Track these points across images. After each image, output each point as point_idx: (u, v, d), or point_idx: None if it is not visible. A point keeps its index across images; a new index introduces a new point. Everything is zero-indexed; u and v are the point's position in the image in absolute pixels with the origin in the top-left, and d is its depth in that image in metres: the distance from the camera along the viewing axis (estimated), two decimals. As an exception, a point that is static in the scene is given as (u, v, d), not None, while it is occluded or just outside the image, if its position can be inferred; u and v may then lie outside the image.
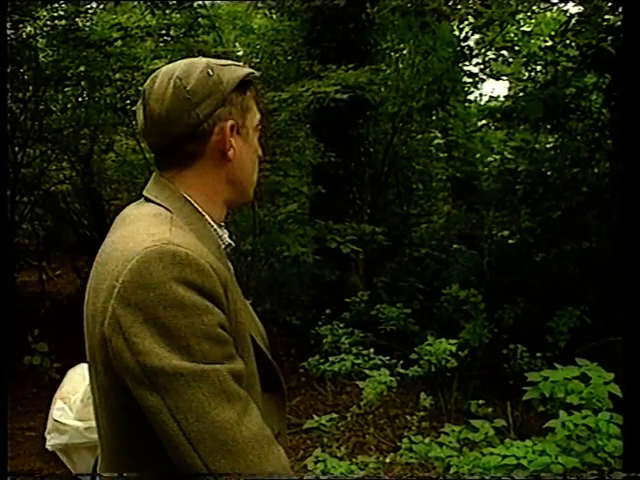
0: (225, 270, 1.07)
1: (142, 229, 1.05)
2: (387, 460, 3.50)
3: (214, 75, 1.12)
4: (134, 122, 7.45)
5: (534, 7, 6.61)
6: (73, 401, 2.05)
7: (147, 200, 1.14)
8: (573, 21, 5.36)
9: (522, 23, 8.02)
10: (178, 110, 1.10)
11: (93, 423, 1.80)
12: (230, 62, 1.19)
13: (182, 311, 0.96)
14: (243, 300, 1.17)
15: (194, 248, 1.02)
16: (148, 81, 1.16)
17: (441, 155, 9.62)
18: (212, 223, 1.16)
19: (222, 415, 0.97)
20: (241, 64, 1.21)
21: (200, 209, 1.14)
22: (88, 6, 6.40)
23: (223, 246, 1.17)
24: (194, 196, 1.14)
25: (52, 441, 2.02)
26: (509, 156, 7.58)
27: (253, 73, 1.19)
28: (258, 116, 1.21)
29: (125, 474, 1.08)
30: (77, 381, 2.01)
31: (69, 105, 7.64)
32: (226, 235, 1.20)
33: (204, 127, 1.12)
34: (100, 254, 1.10)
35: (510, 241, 7.22)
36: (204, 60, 1.17)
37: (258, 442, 1.00)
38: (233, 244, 1.21)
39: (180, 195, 1.13)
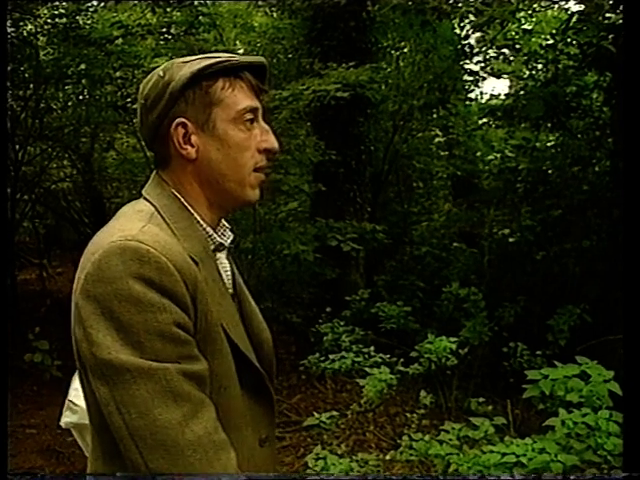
0: (197, 271, 1.05)
1: (119, 225, 1.06)
2: (387, 458, 3.50)
3: (165, 76, 1.12)
4: (135, 120, 7.47)
5: (535, 5, 6.60)
6: None
7: (143, 198, 1.16)
8: (574, 19, 5.36)
9: (523, 21, 8.01)
10: (140, 115, 1.15)
11: None
12: (201, 56, 1.15)
13: (136, 307, 0.97)
14: (228, 302, 1.15)
15: (160, 246, 1.01)
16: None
17: (442, 153, 9.62)
18: (201, 222, 1.15)
19: (165, 415, 0.96)
20: (217, 55, 1.16)
21: (189, 207, 1.14)
22: (89, 4, 6.40)
23: (212, 246, 1.16)
24: (182, 194, 1.15)
25: (65, 419, 2.14)
26: (510, 154, 7.57)
27: (222, 62, 1.13)
28: (239, 107, 1.13)
29: (120, 474, 1.08)
30: None
31: (70, 103, 7.65)
32: (219, 236, 1.18)
33: (161, 130, 1.13)
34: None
35: (510, 239, 7.22)
36: (170, 62, 1.17)
37: (201, 446, 0.98)
38: (226, 244, 1.19)
39: (170, 193, 1.14)
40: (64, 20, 6.09)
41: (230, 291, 1.20)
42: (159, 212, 1.10)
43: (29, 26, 6.44)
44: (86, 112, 7.33)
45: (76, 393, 2.12)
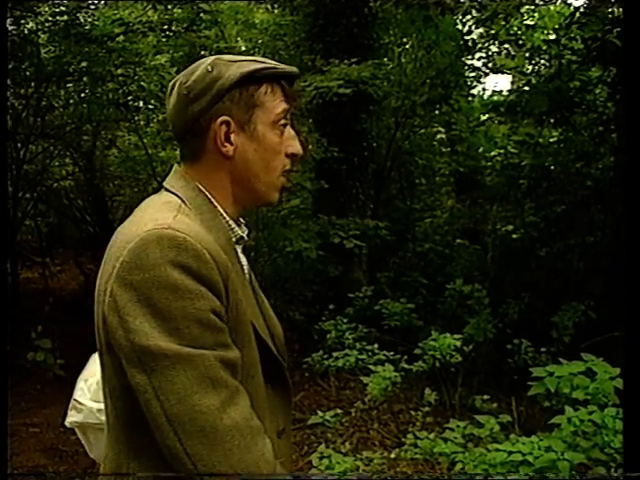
0: (227, 260, 1.07)
1: (149, 215, 1.07)
2: (392, 456, 3.49)
3: (213, 71, 1.13)
4: (136, 118, 7.46)
5: (538, 0, 6.57)
6: (91, 383, 2.17)
7: (166, 190, 1.16)
8: (578, 14, 5.33)
9: (526, 16, 7.98)
10: (178, 106, 1.15)
11: None
12: (247, 58, 1.17)
13: (174, 294, 0.98)
14: (250, 294, 1.17)
15: (194, 234, 1.03)
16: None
17: (444, 150, 9.60)
18: (225, 215, 1.16)
19: (204, 401, 0.97)
20: (262, 59, 1.19)
21: (213, 201, 1.15)
22: (90, 1, 6.39)
23: (234, 239, 1.18)
24: (208, 188, 1.16)
25: (70, 419, 2.15)
26: (513, 150, 7.55)
27: (269, 68, 1.16)
28: (277, 111, 1.16)
29: (127, 472, 1.07)
30: (97, 364, 2.17)
31: (71, 101, 7.63)
32: (239, 230, 1.19)
33: (201, 123, 1.13)
34: (112, 238, 1.12)
35: (514, 236, 7.20)
36: (215, 57, 1.17)
37: (239, 431, 0.99)
38: (246, 238, 1.21)
39: (194, 185, 1.15)
40: (65, 18, 6.08)
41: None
42: (185, 204, 1.11)
43: (30, 24, 6.43)
44: (88, 110, 7.32)
45: (82, 392, 2.14)
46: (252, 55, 7.91)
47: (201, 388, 0.97)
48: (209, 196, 1.15)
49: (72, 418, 2.13)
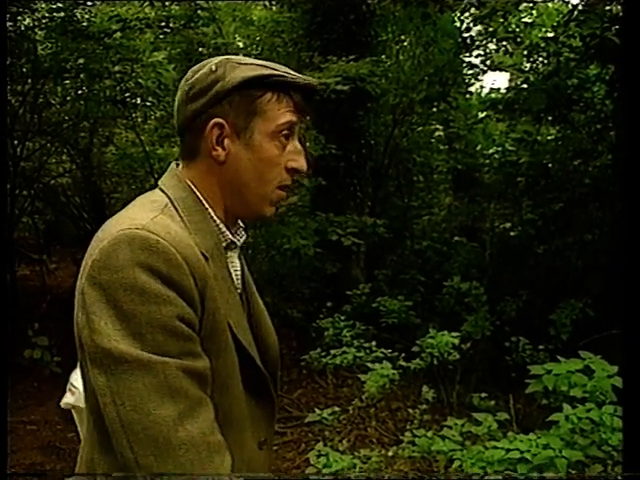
0: (206, 266, 1.03)
1: (130, 213, 1.05)
2: (389, 454, 3.49)
3: (217, 71, 1.10)
4: (134, 115, 7.44)
5: (536, -3, 6.57)
6: None
7: (159, 188, 1.14)
8: (576, 11, 5.32)
9: (524, 14, 7.98)
10: (179, 101, 1.13)
11: None
12: (258, 62, 1.12)
13: (141, 297, 0.95)
14: (236, 301, 1.13)
15: (171, 237, 0.99)
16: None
17: (442, 147, 9.60)
18: (215, 218, 1.13)
19: (159, 411, 0.94)
20: (274, 66, 1.13)
21: (204, 202, 1.12)
22: (86, -2, 6.36)
23: (224, 244, 1.14)
24: (200, 189, 1.13)
25: (64, 400, 2.20)
26: (510, 148, 7.55)
27: (277, 76, 1.10)
28: (279, 122, 1.10)
29: (122, 474, 1.05)
30: None
31: (68, 98, 7.60)
32: (231, 234, 1.16)
33: (197, 123, 1.11)
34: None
35: (512, 233, 7.21)
36: (226, 57, 1.13)
37: (194, 447, 0.95)
38: (238, 243, 1.18)
39: (186, 185, 1.12)
40: (62, 14, 6.04)
41: (239, 290, 1.18)
42: (173, 204, 1.08)
43: (27, 20, 6.40)
44: (85, 107, 7.29)
45: (76, 376, 2.18)
46: (250, 53, 7.91)
47: (158, 397, 0.94)
48: (200, 197, 1.12)
49: (66, 400, 2.18)
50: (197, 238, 1.05)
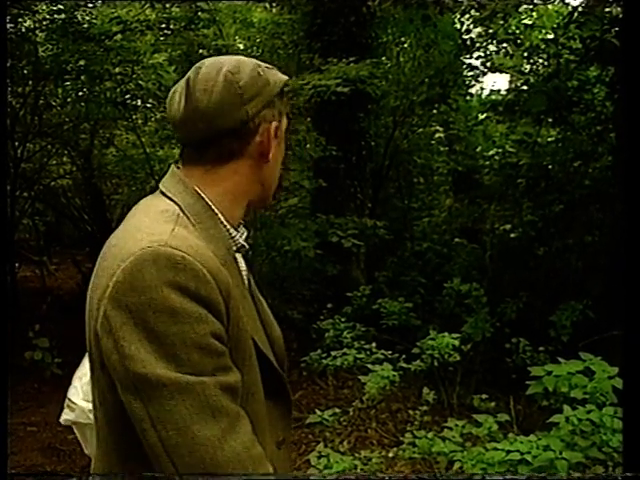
0: (228, 275, 1.03)
1: (144, 226, 1.02)
2: (390, 455, 3.49)
3: (263, 75, 1.12)
4: (134, 116, 7.44)
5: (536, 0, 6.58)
6: (84, 382, 2.15)
7: (162, 193, 1.12)
8: (576, 13, 5.33)
9: (524, 16, 7.98)
10: (228, 104, 1.08)
11: None
12: (271, 66, 1.18)
13: (172, 318, 0.93)
14: (251, 305, 1.14)
15: (194, 251, 0.98)
16: (192, 71, 1.13)
17: (442, 149, 9.60)
18: (225, 223, 1.12)
19: (203, 431, 0.93)
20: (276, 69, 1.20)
21: (214, 207, 1.11)
22: (87, 0, 6.37)
23: (235, 248, 1.14)
24: (210, 194, 1.11)
25: (64, 416, 2.15)
26: (511, 149, 7.55)
27: (289, 79, 1.20)
28: (286, 120, 1.20)
29: (123, 474, 1.06)
30: None
31: (69, 99, 7.61)
32: (239, 236, 1.16)
33: (249, 126, 1.10)
34: (105, 246, 1.07)
35: (512, 235, 7.21)
36: (251, 59, 1.16)
37: (240, 462, 0.96)
38: (247, 246, 1.18)
39: (193, 191, 1.10)
40: (63, 16, 6.05)
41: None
42: (183, 212, 1.06)
43: (28, 22, 6.41)
44: (85, 108, 7.29)
45: (75, 391, 2.13)
46: (251, 55, 7.92)
47: (201, 418, 0.93)
48: (209, 202, 1.10)
49: (65, 416, 2.13)
50: (212, 246, 1.04)
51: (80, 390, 2.12)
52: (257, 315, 1.17)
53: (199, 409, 0.93)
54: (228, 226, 1.13)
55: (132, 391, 0.94)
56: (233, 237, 1.14)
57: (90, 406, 2.01)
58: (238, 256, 1.17)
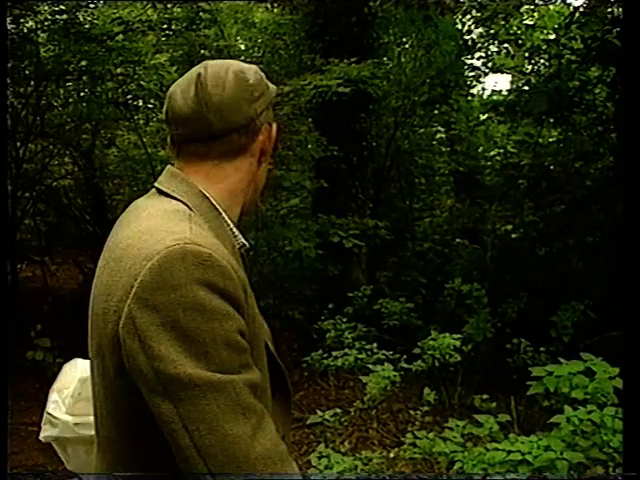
0: (243, 272, 1.05)
1: (161, 226, 1.01)
2: (391, 455, 3.49)
3: (264, 80, 1.18)
4: (136, 117, 7.45)
5: (538, 0, 6.57)
6: (65, 395, 2.06)
7: (161, 193, 1.11)
8: (577, 13, 5.33)
9: (525, 16, 7.98)
10: (241, 99, 1.12)
11: (83, 419, 1.81)
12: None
13: (202, 315, 0.93)
14: (255, 303, 1.14)
15: (216, 248, 0.99)
16: (198, 68, 1.15)
17: (444, 149, 9.60)
18: (229, 222, 1.13)
19: (236, 429, 0.93)
20: None
21: (218, 207, 1.12)
22: (89, 0, 6.37)
23: (238, 246, 1.15)
24: (213, 193, 1.12)
25: (45, 433, 2.02)
26: (512, 150, 7.56)
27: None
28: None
29: (124, 474, 1.06)
30: (71, 376, 2.05)
31: (70, 100, 7.62)
32: (241, 237, 1.18)
33: (256, 123, 1.14)
34: (113, 249, 1.05)
35: (513, 235, 7.20)
36: (254, 66, 1.21)
37: (271, 459, 0.96)
38: (247, 245, 1.18)
39: (198, 191, 1.11)
40: (64, 16, 6.06)
41: None
42: (192, 211, 1.07)
43: (29, 23, 6.42)
44: (87, 109, 7.30)
45: (56, 405, 2.03)
46: (252, 55, 7.93)
47: (232, 416, 0.93)
48: (214, 202, 1.11)
49: (47, 432, 2.02)
50: (223, 245, 1.05)
51: (62, 404, 2.03)
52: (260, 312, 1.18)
53: (230, 408, 0.93)
54: (232, 225, 1.14)
55: (160, 392, 0.93)
56: (236, 237, 1.15)
57: (75, 420, 1.96)
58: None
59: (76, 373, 2.04)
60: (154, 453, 1.01)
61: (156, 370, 0.92)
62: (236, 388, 0.94)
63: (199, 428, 0.92)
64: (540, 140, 7.11)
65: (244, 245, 1.17)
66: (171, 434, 0.94)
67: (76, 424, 1.94)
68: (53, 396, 2.04)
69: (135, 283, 0.95)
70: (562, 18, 6.93)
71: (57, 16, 6.10)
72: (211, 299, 0.94)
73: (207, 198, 1.11)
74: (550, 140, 7.46)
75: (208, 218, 1.08)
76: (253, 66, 1.19)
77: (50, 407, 2.01)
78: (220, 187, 1.13)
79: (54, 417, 2.00)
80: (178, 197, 1.09)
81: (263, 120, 1.15)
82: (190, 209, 1.07)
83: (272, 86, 1.21)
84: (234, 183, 1.14)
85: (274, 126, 1.20)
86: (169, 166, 1.16)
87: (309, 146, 6.53)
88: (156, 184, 1.14)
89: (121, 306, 0.96)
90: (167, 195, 1.10)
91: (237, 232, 1.15)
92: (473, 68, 7.84)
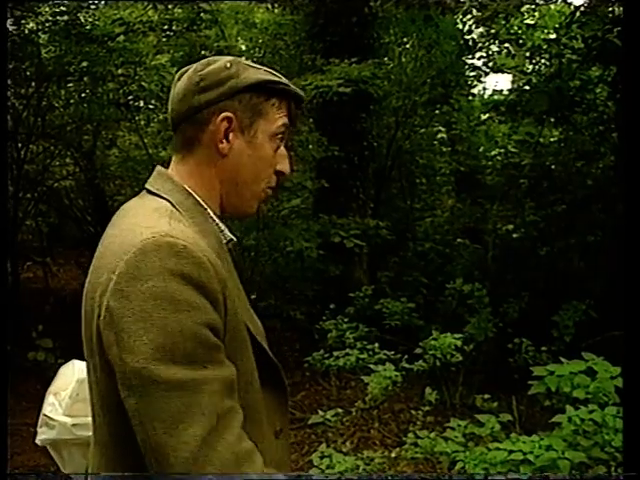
0: (224, 266, 1.05)
1: (141, 222, 1.03)
2: (392, 455, 3.49)
3: (231, 68, 1.14)
4: (137, 117, 7.46)
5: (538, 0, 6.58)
6: (63, 397, 2.06)
7: (149, 193, 1.14)
8: (578, 13, 5.33)
9: (526, 16, 7.97)
10: (186, 91, 1.14)
11: (81, 420, 1.81)
12: (264, 68, 1.19)
13: (172, 305, 0.94)
14: (244, 296, 1.15)
15: (193, 241, 1.00)
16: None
17: (445, 149, 9.60)
18: (214, 217, 1.14)
19: (190, 429, 0.92)
20: (277, 74, 1.19)
21: (202, 202, 1.13)
22: (90, 1, 6.38)
23: (224, 241, 1.16)
24: (196, 189, 1.14)
25: (41, 436, 2.02)
26: (513, 150, 7.56)
27: (283, 84, 1.17)
28: (278, 124, 1.17)
29: (125, 474, 1.06)
30: (68, 377, 2.04)
31: (72, 101, 7.63)
32: (228, 232, 1.18)
33: (203, 114, 1.13)
34: (99, 248, 1.09)
35: (514, 235, 7.21)
36: (235, 58, 1.18)
37: (221, 461, 0.94)
38: (235, 239, 1.20)
39: (182, 188, 1.13)
40: (66, 17, 6.07)
41: None
42: (176, 208, 1.09)
43: (31, 24, 6.43)
44: (88, 110, 7.31)
45: (52, 408, 2.02)
46: (253, 55, 7.93)
47: (189, 416, 0.92)
48: (197, 198, 1.13)
49: (43, 435, 2.01)
50: (206, 240, 1.06)
51: (59, 405, 2.03)
52: (250, 307, 1.18)
53: (188, 407, 0.93)
54: (217, 221, 1.15)
55: (127, 386, 0.94)
56: (223, 232, 1.16)
57: (73, 421, 1.96)
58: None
59: (73, 374, 2.02)
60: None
61: (125, 363, 0.93)
62: (196, 387, 0.93)
63: (155, 426, 0.92)
64: (541, 140, 7.11)
65: (231, 240, 1.18)
66: (134, 427, 0.95)
67: (74, 425, 1.93)
68: (50, 398, 2.03)
69: (113, 276, 0.97)
70: (563, 17, 6.93)
71: (58, 17, 6.11)
72: (182, 290, 0.95)
73: (191, 194, 1.13)
74: (551, 140, 7.46)
75: (193, 214, 1.09)
76: (232, 58, 1.16)
77: (47, 409, 2.00)
78: (195, 183, 1.14)
79: (51, 419, 1.99)
80: (163, 195, 1.11)
81: (216, 110, 1.12)
82: (174, 206, 1.08)
83: (250, 76, 1.14)
84: (200, 180, 1.14)
85: (225, 115, 1.12)
86: (157, 166, 1.19)
87: (310, 146, 6.53)
88: (146, 184, 1.16)
89: (102, 300, 0.98)
90: (154, 194, 1.12)
91: (223, 227, 1.16)
92: (474, 68, 7.84)
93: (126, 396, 0.95)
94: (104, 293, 0.98)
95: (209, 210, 1.14)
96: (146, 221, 1.03)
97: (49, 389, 2.06)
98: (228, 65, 1.14)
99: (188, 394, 0.93)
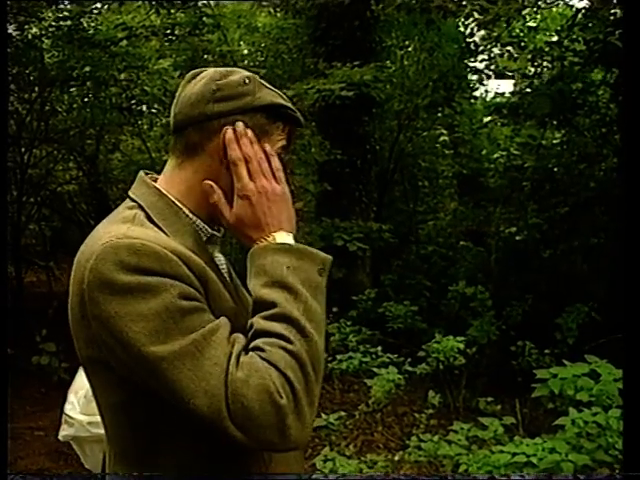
0: (201, 260, 1.06)
1: (105, 228, 1.08)
2: (396, 458, 3.49)
3: (249, 85, 1.15)
4: (140, 122, 7.48)
5: (540, 2, 6.57)
6: (80, 396, 2.16)
7: (130, 198, 1.17)
8: (580, 15, 5.33)
9: (528, 18, 7.98)
10: (200, 96, 1.14)
11: (96, 418, 1.85)
12: (278, 91, 1.20)
13: (147, 293, 0.97)
14: (227, 294, 1.14)
15: (152, 239, 1.02)
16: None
17: (447, 152, 9.59)
18: (191, 215, 1.15)
19: (213, 382, 0.96)
20: (287, 100, 1.21)
21: (177, 202, 1.14)
22: (93, 6, 6.40)
23: (205, 237, 1.17)
24: (172, 189, 1.15)
25: (63, 432, 2.14)
26: (515, 152, 7.55)
27: (291, 110, 1.20)
28: (277, 146, 1.20)
29: (128, 474, 1.07)
30: (84, 376, 2.12)
31: (75, 105, 7.66)
32: (209, 227, 1.17)
33: (213, 123, 1.13)
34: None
35: (517, 237, 7.20)
36: (254, 75, 1.19)
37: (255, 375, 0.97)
38: (219, 234, 1.21)
39: (155, 190, 1.15)
40: (68, 23, 6.08)
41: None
42: (145, 210, 1.11)
43: (34, 29, 6.45)
44: (91, 114, 7.34)
45: (72, 406, 2.13)
46: (255, 59, 7.95)
47: (207, 371, 0.96)
48: (172, 198, 1.14)
49: (64, 432, 2.12)
50: (178, 239, 1.08)
51: (77, 404, 2.12)
52: (235, 306, 1.16)
53: (198, 367, 0.96)
54: (194, 218, 1.15)
55: (145, 374, 0.98)
56: (201, 228, 1.16)
57: (89, 419, 2.04)
58: (215, 249, 1.21)
59: None
60: (155, 442, 1.05)
61: (129, 353, 0.97)
62: (197, 346, 0.97)
63: (184, 390, 0.96)
64: (543, 142, 7.11)
65: (214, 236, 1.19)
66: (173, 403, 0.98)
67: (90, 423, 2.03)
68: (70, 397, 2.14)
69: (84, 286, 1.01)
70: (564, 20, 6.93)
71: (61, 22, 6.13)
72: (149, 280, 0.98)
73: (164, 195, 1.14)
74: (553, 142, 7.45)
75: (164, 215, 1.11)
76: (250, 74, 1.18)
77: (67, 408, 2.12)
78: (176, 185, 1.15)
79: (70, 417, 2.10)
80: (136, 199, 1.14)
81: (227, 122, 1.13)
82: (143, 209, 1.11)
83: (265, 97, 1.16)
84: (197, 185, 1.15)
85: (231, 128, 1.13)
86: (140, 172, 1.22)
87: (313, 150, 6.54)
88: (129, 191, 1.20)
89: (83, 311, 1.02)
90: (130, 199, 1.16)
91: (202, 224, 1.16)
92: (476, 71, 7.84)
93: (146, 381, 0.98)
94: (83, 304, 1.02)
95: (184, 209, 1.14)
96: (109, 227, 1.07)
97: (70, 389, 2.17)
98: (247, 81, 1.15)
99: (194, 355, 0.97)
